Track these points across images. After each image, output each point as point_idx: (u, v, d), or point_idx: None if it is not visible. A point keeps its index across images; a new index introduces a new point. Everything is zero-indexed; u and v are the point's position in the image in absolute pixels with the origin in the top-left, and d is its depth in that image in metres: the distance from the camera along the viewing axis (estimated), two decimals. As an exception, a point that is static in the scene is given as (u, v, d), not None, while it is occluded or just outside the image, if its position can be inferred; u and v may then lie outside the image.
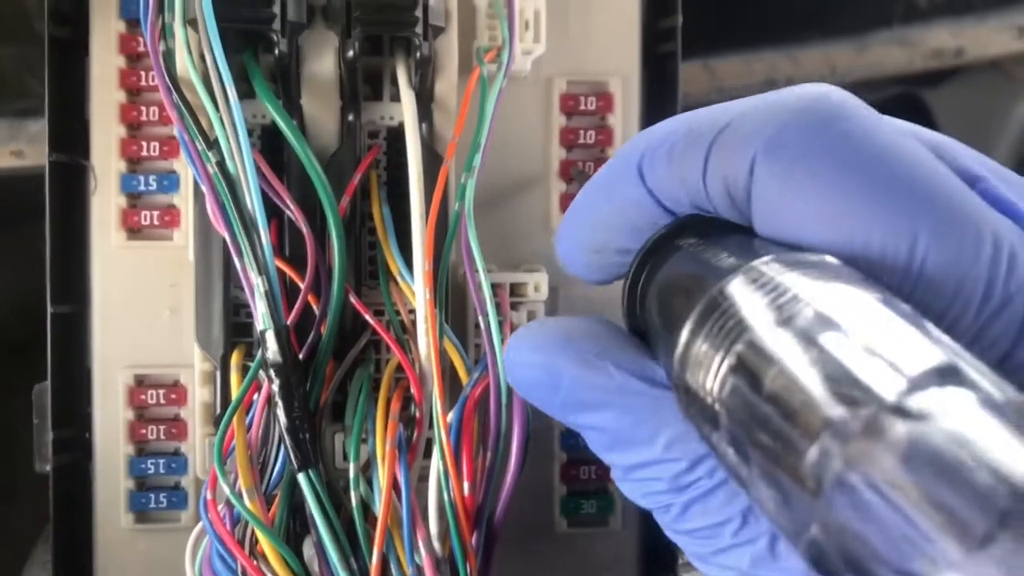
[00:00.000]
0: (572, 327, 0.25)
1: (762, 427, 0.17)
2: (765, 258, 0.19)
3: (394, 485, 0.29)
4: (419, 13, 0.30)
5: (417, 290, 0.30)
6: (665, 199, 0.23)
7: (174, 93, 0.30)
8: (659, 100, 0.37)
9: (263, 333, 0.29)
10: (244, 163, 0.29)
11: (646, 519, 0.37)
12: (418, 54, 0.31)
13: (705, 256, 0.21)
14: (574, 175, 0.36)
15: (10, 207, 0.46)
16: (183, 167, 0.34)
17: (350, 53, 0.30)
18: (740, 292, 0.19)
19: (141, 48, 0.34)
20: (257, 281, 0.29)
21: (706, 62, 0.51)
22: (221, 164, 0.29)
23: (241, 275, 0.29)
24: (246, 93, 0.30)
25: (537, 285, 0.34)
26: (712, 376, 0.18)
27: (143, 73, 0.34)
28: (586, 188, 0.25)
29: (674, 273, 0.22)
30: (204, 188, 0.30)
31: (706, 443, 0.20)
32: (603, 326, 0.25)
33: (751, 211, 0.21)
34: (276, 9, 0.29)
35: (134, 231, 0.34)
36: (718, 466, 0.21)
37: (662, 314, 0.22)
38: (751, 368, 0.17)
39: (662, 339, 0.22)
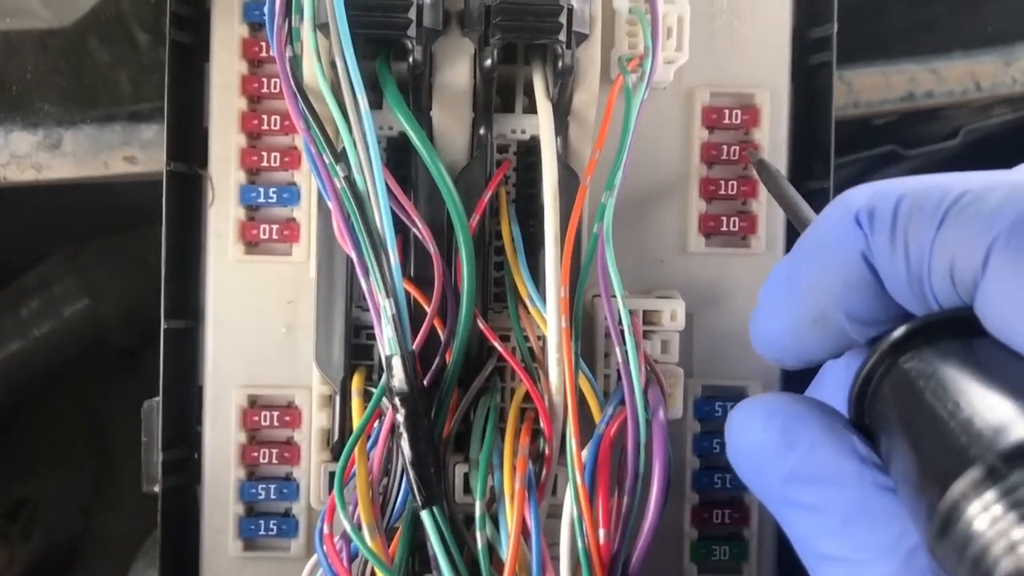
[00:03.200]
0: (810, 401, 0.23)
1: None
2: None
3: (522, 527, 0.27)
4: (563, 19, 0.28)
5: (550, 318, 0.28)
6: (879, 253, 0.21)
7: (301, 101, 0.28)
8: (809, 114, 0.34)
9: (389, 359, 0.27)
10: (374, 178, 0.27)
11: (782, 567, 0.34)
12: (559, 63, 0.28)
13: (975, 395, 0.18)
14: (752, 160, 0.33)
15: (122, 213, 0.46)
16: (304, 179, 0.32)
17: (488, 62, 0.28)
18: None
19: (264, 54, 0.33)
20: (385, 304, 0.27)
21: (841, 74, 0.48)
22: (349, 178, 0.27)
23: (367, 296, 0.27)
24: (373, 102, 0.29)
25: (673, 313, 0.32)
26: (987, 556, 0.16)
27: (265, 80, 0.33)
28: (795, 249, 0.23)
29: (933, 407, 0.19)
30: (330, 203, 0.28)
31: None
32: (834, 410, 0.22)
33: (976, 302, 0.19)
34: (412, 14, 0.27)
35: (252, 245, 0.33)
36: None
37: (917, 442, 0.19)
38: None
39: (912, 464, 0.19)
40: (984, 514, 0.16)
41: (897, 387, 0.21)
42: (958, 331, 0.20)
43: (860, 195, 0.21)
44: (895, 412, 0.20)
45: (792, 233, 0.34)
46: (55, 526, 0.50)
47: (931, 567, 0.19)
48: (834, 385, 0.25)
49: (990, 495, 0.16)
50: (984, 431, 0.17)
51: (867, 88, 0.48)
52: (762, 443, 0.22)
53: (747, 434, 0.23)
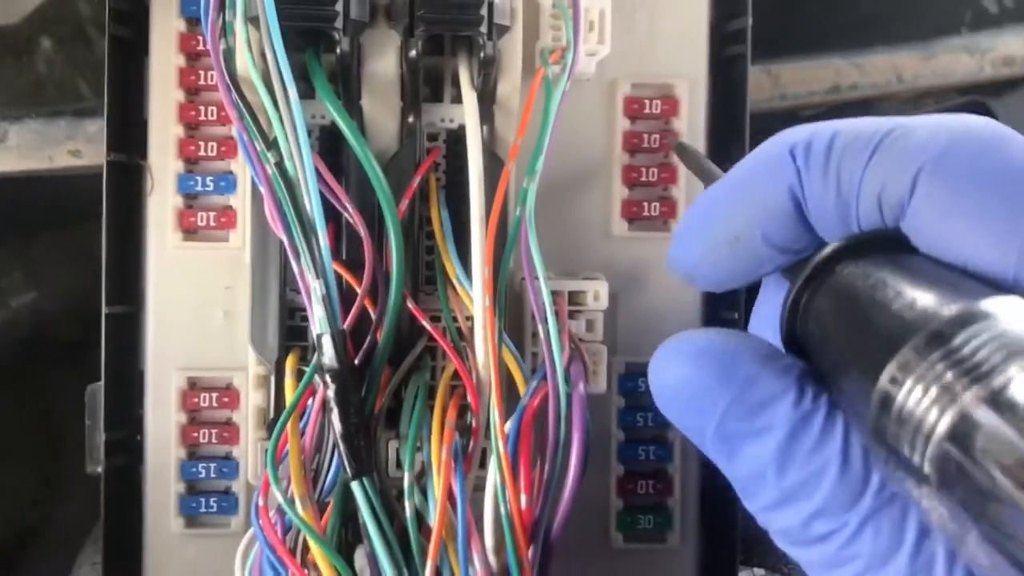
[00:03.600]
0: (731, 334, 0.23)
1: (997, 500, 0.15)
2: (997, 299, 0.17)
3: (449, 496, 0.29)
4: (484, 12, 0.29)
5: (476, 297, 0.30)
6: (809, 188, 0.22)
7: (234, 92, 0.30)
8: (726, 104, 0.36)
9: (319, 337, 0.28)
10: (304, 164, 0.28)
11: (705, 535, 0.36)
12: (482, 54, 0.30)
13: (913, 287, 0.19)
14: (672, 145, 0.34)
15: (67, 206, 0.46)
16: (240, 168, 0.34)
17: (413, 52, 0.30)
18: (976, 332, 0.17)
19: (201, 47, 0.34)
20: (315, 284, 0.28)
21: (768, 68, 0.50)
22: (280, 165, 0.29)
23: (298, 278, 0.29)
24: (306, 93, 0.30)
25: (597, 294, 0.33)
26: (926, 428, 0.17)
27: (202, 72, 0.34)
28: (725, 177, 0.24)
29: (873, 299, 0.20)
30: (263, 189, 0.29)
31: (901, 489, 0.19)
32: (760, 340, 0.23)
33: (904, 225, 0.21)
34: (339, 7, 0.29)
35: (190, 232, 0.34)
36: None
37: (849, 344, 0.20)
38: (988, 429, 0.16)
39: (844, 370, 0.20)
40: (924, 381, 0.17)
41: (833, 293, 0.21)
42: (886, 247, 0.21)
43: (798, 132, 0.23)
44: (831, 318, 0.21)
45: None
46: (5, 518, 0.50)
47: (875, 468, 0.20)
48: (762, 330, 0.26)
49: (935, 356, 0.17)
50: (926, 307, 0.18)
51: (793, 80, 0.50)
52: (696, 381, 0.22)
53: (677, 375, 0.22)
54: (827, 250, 0.22)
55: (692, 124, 0.35)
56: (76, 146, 0.43)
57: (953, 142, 0.20)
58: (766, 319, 0.26)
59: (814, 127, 0.23)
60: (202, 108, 0.34)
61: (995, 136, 0.21)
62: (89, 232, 0.48)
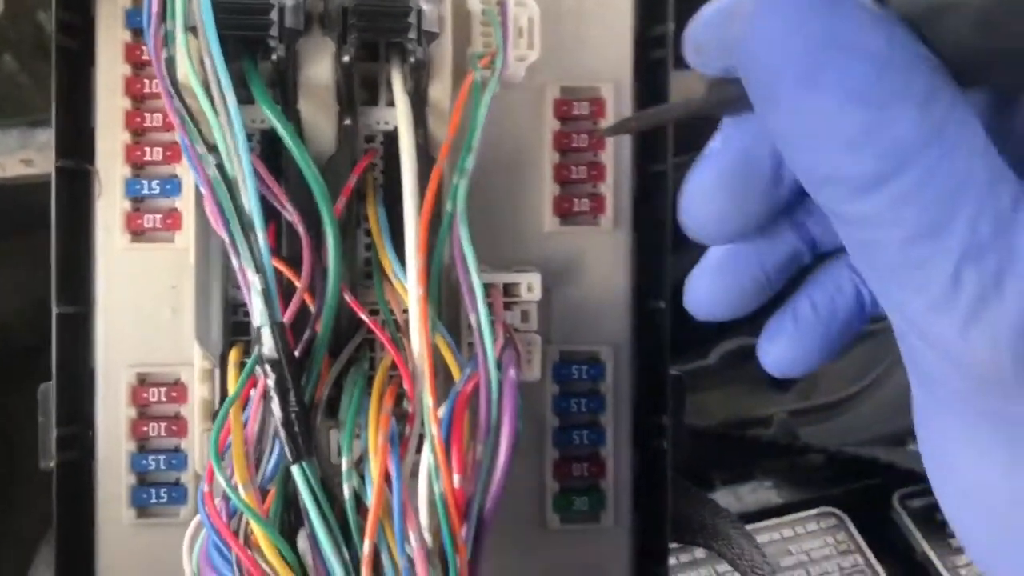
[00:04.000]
0: None
1: None
2: None
3: (386, 478, 0.30)
4: (413, 19, 0.31)
5: (410, 288, 0.31)
6: None
7: (176, 98, 0.31)
8: (650, 106, 0.38)
9: (259, 329, 0.29)
10: (242, 165, 0.30)
11: (638, 516, 0.37)
12: (412, 59, 0.31)
13: None
14: (603, 135, 0.36)
15: (20, 214, 0.47)
16: (185, 172, 0.35)
17: (346, 58, 0.31)
18: None
19: (145, 57, 0.35)
20: (254, 279, 0.30)
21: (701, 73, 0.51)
22: (220, 167, 0.30)
23: (239, 274, 0.30)
24: (246, 99, 0.31)
25: (530, 285, 0.35)
26: None
27: (147, 81, 0.35)
28: None
29: None
30: (203, 190, 0.30)
31: None
32: None
33: None
34: (274, 16, 0.30)
35: (137, 234, 0.35)
36: None
37: None
38: None
39: None
40: None
41: None
42: None
43: None
44: None
45: (639, 208, 0.37)
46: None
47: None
48: None
49: None
50: None
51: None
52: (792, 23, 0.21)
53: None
54: None
55: (618, 124, 0.37)
56: (28, 155, 0.44)
57: None
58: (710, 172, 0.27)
59: None
60: (147, 115, 0.35)
61: None
62: (40, 240, 0.49)
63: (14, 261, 0.49)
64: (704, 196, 0.27)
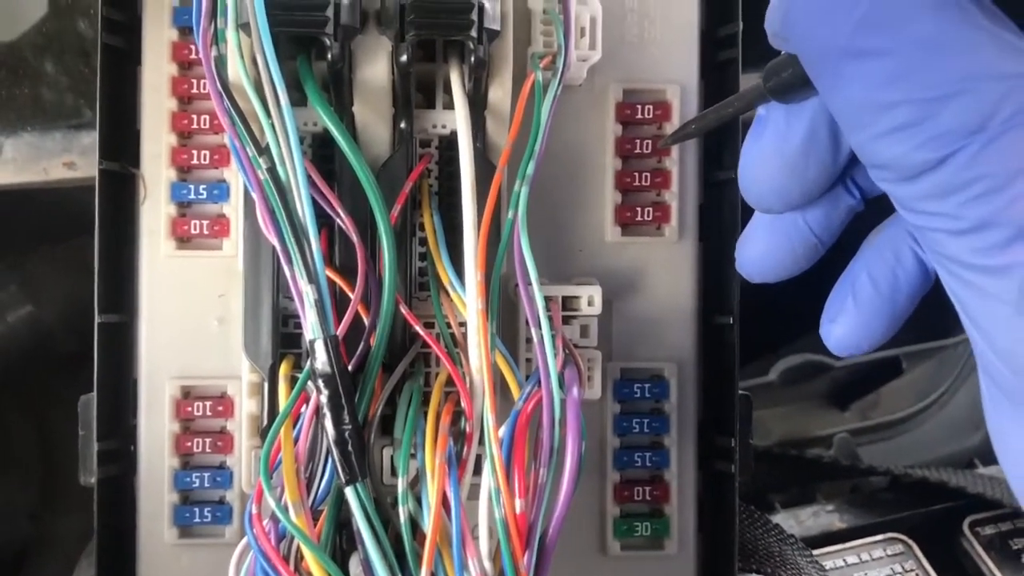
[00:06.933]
0: None
1: None
2: None
3: (444, 502, 0.28)
4: (474, 16, 0.29)
5: (469, 301, 0.30)
6: None
7: (226, 99, 0.30)
8: (719, 110, 0.36)
9: (312, 343, 0.28)
10: (295, 170, 0.28)
11: (703, 543, 0.35)
12: (472, 59, 0.30)
13: None
14: (666, 145, 0.34)
15: (63, 219, 0.46)
16: (233, 176, 0.34)
17: (403, 58, 0.30)
18: None
19: (193, 56, 0.34)
20: (307, 290, 0.28)
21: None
22: (272, 171, 0.29)
23: (291, 284, 0.28)
24: (298, 100, 0.30)
25: (591, 299, 0.33)
26: None
27: (195, 81, 0.34)
28: None
29: None
30: (255, 195, 0.29)
31: None
32: None
33: None
34: (330, 13, 0.29)
35: (183, 240, 0.34)
36: None
37: None
38: None
39: None
40: None
41: None
42: None
43: None
44: None
45: (705, 218, 0.36)
46: (3, 531, 0.50)
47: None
48: None
49: None
50: None
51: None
52: None
53: None
54: None
55: (685, 129, 0.35)
56: (71, 158, 0.43)
57: None
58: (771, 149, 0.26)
59: None
60: (195, 117, 0.34)
61: None
62: (85, 245, 0.48)
63: (57, 266, 0.48)
64: (764, 170, 0.27)
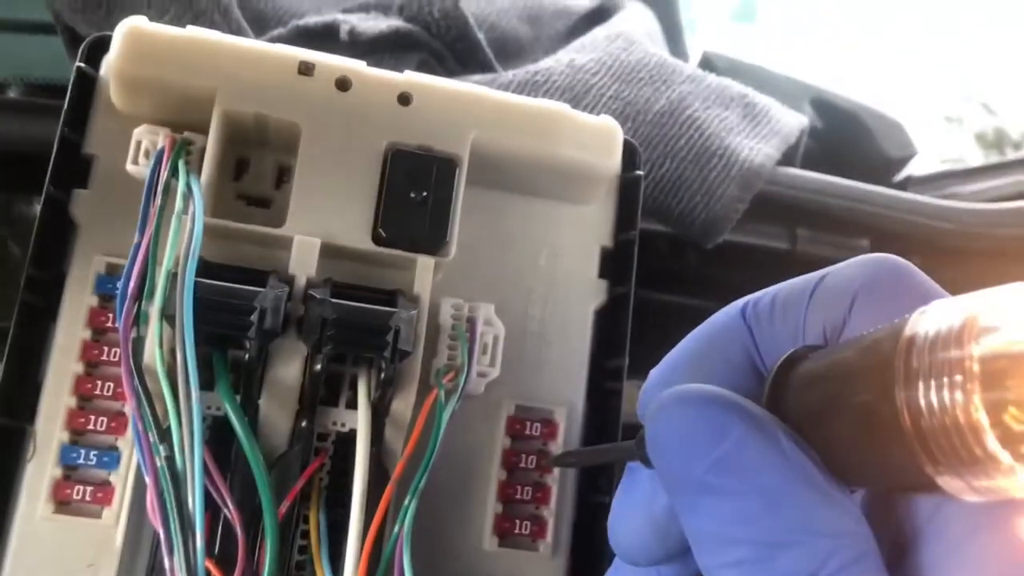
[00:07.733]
0: (736, 396, 0.24)
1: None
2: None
3: None
4: (390, 338, 0.32)
5: (344, 609, 0.30)
6: (761, 340, 0.26)
7: (136, 378, 0.31)
8: (600, 431, 0.38)
9: (180, 639, 0.28)
10: (193, 462, 0.29)
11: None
12: (382, 374, 0.32)
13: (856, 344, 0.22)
14: (552, 463, 0.37)
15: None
16: (127, 446, 0.34)
17: (318, 367, 0.31)
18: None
19: (109, 324, 0.35)
20: (184, 584, 0.28)
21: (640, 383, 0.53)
22: (171, 459, 0.29)
23: (168, 574, 0.29)
24: (205, 383, 0.31)
25: (464, 609, 0.34)
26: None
27: (106, 348, 0.34)
28: (687, 340, 0.28)
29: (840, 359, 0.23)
30: (148, 480, 0.30)
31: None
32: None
33: (844, 333, 0.25)
34: (254, 318, 0.31)
35: (63, 504, 0.33)
36: None
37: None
38: None
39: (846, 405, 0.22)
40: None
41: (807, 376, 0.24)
42: None
43: (741, 300, 0.27)
44: (814, 391, 0.23)
45: (577, 539, 0.37)
46: None
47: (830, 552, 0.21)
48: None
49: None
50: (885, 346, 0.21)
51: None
52: (693, 429, 0.23)
53: (679, 420, 0.24)
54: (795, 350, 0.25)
55: (567, 448, 0.38)
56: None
57: (876, 272, 0.25)
58: (639, 506, 0.28)
59: (752, 296, 0.27)
60: (99, 383, 0.34)
61: (901, 265, 0.25)
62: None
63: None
64: (632, 524, 0.28)
